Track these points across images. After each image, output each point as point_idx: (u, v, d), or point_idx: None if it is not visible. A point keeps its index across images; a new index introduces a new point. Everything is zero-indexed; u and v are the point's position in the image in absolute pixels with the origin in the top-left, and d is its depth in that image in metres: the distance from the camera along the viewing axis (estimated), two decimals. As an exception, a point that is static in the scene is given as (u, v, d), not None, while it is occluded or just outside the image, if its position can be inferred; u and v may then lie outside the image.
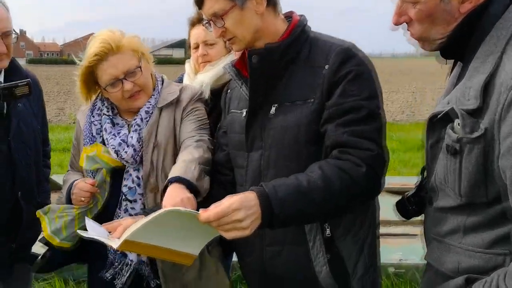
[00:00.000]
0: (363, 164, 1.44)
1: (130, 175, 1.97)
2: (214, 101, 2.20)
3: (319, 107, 1.54)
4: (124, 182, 1.97)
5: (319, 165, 1.46)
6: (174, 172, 1.69)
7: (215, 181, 1.80)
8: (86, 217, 1.77)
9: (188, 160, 1.74)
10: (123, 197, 1.96)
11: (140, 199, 1.96)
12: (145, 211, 1.79)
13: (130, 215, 1.93)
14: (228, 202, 1.30)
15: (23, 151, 2.18)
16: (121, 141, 1.96)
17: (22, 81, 2.04)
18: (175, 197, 1.55)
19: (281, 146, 1.60)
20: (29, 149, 2.21)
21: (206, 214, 1.30)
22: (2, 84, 2.03)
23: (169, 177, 1.67)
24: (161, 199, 1.62)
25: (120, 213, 1.95)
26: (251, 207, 1.32)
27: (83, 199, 1.96)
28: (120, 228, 1.63)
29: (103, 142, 2.00)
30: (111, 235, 1.65)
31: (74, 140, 2.17)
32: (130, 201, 1.95)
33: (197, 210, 1.41)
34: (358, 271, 1.62)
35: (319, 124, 1.54)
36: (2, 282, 2.23)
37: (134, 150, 1.94)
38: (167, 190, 1.61)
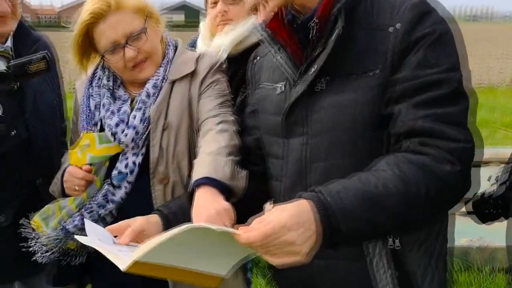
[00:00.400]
0: (453, 160, 1.07)
1: (126, 158, 1.61)
2: (233, 69, 1.82)
3: (383, 81, 1.17)
4: (117, 165, 1.61)
5: (391, 161, 1.09)
6: (200, 170, 1.33)
7: None
8: (84, 218, 1.42)
9: (215, 152, 1.37)
10: (108, 180, 1.62)
11: (126, 187, 1.61)
12: (160, 210, 1.44)
13: (110, 201, 1.60)
14: (277, 218, 0.95)
15: (42, 131, 1.85)
16: (119, 120, 1.59)
17: (37, 54, 1.64)
18: (209, 209, 1.20)
19: (331, 133, 1.22)
20: (48, 128, 1.90)
21: (248, 236, 0.95)
22: (13, 62, 1.64)
23: (194, 178, 1.31)
24: (189, 207, 1.26)
25: (97, 198, 1.61)
26: (305, 223, 0.97)
27: (77, 188, 1.61)
28: (129, 232, 1.29)
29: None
30: (117, 239, 1.31)
31: (73, 115, 1.81)
32: (114, 187, 1.61)
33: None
34: None
35: (384, 103, 1.17)
36: (26, 279, 1.96)
37: (136, 132, 1.58)
38: (195, 197, 1.26)
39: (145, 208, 1.57)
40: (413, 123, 1.11)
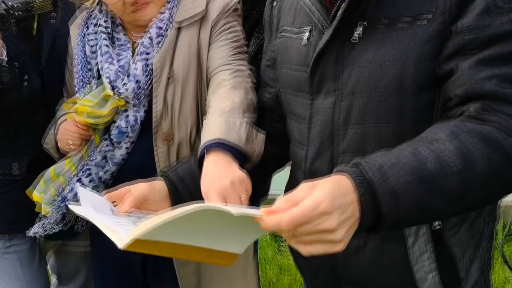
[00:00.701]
0: None
1: (127, 115, 1.41)
2: (246, 10, 1.58)
3: (439, 30, 0.95)
4: (117, 121, 1.42)
5: (447, 129, 0.88)
6: (211, 131, 1.14)
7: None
8: (77, 183, 1.23)
9: (228, 110, 1.18)
10: (108, 138, 1.43)
11: (127, 147, 1.43)
12: (164, 174, 1.26)
13: (109, 161, 1.42)
14: (311, 199, 0.76)
15: (58, 80, 1.64)
16: (119, 70, 1.38)
17: None
18: (221, 179, 1.02)
19: (370, 92, 1.01)
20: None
21: (274, 220, 0.76)
22: (14, 2, 1.45)
23: (204, 140, 1.12)
24: (199, 174, 1.08)
25: (94, 156, 1.43)
26: (346, 205, 0.78)
27: (70, 142, 1.43)
28: (130, 200, 1.12)
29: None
30: (116, 208, 1.14)
31: (68, 58, 1.59)
32: (113, 145, 1.42)
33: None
34: (472, 276, 1.11)
35: (439, 59, 0.96)
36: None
37: (138, 85, 1.37)
38: (205, 164, 1.08)
39: (148, 169, 1.40)
40: (476, 84, 0.90)
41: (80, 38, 1.47)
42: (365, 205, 0.79)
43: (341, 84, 1.05)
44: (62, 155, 1.51)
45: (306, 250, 0.78)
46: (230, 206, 0.79)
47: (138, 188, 1.16)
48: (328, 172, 0.95)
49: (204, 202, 0.99)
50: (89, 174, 1.42)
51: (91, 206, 1.08)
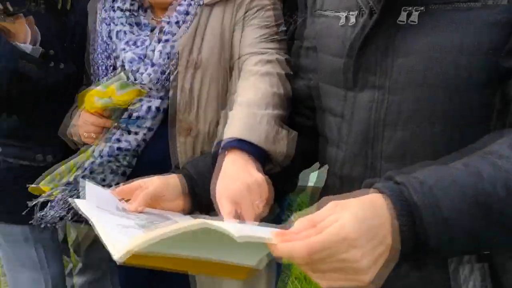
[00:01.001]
0: None
1: (149, 101, 1.29)
2: None
3: (508, 17, 0.77)
4: (136, 109, 1.29)
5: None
6: (232, 127, 1.01)
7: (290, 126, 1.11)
8: (81, 178, 1.13)
9: (253, 104, 1.04)
10: (121, 123, 1.31)
11: (145, 133, 1.30)
12: (185, 169, 1.14)
13: (119, 149, 1.30)
14: (337, 226, 0.61)
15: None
16: (141, 55, 1.26)
17: None
18: (236, 182, 0.90)
19: (421, 88, 0.84)
20: None
21: (287, 248, 0.62)
22: None
23: (224, 137, 1.00)
24: (214, 175, 0.96)
25: (102, 145, 1.31)
26: (377, 233, 0.63)
27: (93, 135, 1.33)
28: (142, 197, 1.01)
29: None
30: (126, 205, 1.03)
31: (87, 43, 1.47)
32: (128, 132, 1.30)
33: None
34: None
35: (505, 51, 0.78)
36: None
37: (161, 71, 1.26)
38: (223, 163, 0.96)
39: (168, 163, 1.29)
40: None
41: (99, 20, 1.37)
42: (405, 235, 0.64)
43: (386, 76, 0.89)
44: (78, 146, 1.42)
45: (325, 282, 0.64)
46: (234, 224, 0.67)
47: (150, 184, 1.05)
48: (364, 179, 0.81)
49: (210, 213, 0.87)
50: (101, 164, 1.32)
51: (97, 203, 0.97)
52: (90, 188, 1.02)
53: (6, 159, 1.57)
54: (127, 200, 1.04)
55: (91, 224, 0.88)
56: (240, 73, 1.19)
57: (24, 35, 1.32)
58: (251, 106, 1.04)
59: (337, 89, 0.99)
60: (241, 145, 0.97)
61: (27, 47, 1.33)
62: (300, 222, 0.64)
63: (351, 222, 0.61)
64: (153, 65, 1.26)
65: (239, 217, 0.87)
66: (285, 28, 1.30)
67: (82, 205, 0.95)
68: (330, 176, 1.03)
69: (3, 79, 1.33)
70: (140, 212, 1.01)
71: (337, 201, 0.65)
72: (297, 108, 1.16)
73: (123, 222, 0.93)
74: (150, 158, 1.33)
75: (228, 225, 0.67)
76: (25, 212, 1.35)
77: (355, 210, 0.62)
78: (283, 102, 1.11)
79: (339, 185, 0.97)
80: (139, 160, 1.35)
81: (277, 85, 1.12)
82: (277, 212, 1.46)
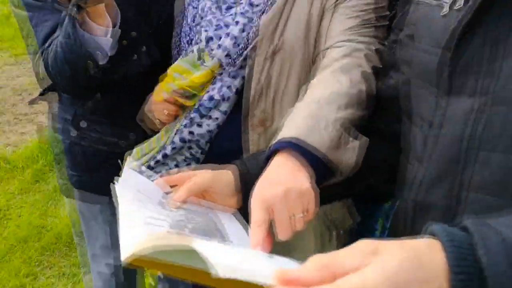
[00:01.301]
0: None
1: (221, 79, 1.18)
2: None
3: None
4: (209, 89, 1.19)
5: None
6: (291, 123, 0.87)
7: (369, 129, 0.93)
8: (125, 161, 1.04)
9: (322, 101, 0.89)
10: (196, 108, 1.20)
11: (217, 118, 1.19)
12: (243, 163, 1.02)
13: (196, 135, 1.20)
14: (361, 279, 0.44)
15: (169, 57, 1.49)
16: (218, 29, 1.15)
17: None
18: (275, 185, 0.77)
19: None
20: None
21: None
22: None
23: (279, 136, 0.85)
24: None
25: (181, 127, 1.22)
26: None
27: (157, 121, 1.29)
28: (184, 188, 0.91)
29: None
30: (169, 195, 0.94)
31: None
32: (201, 116, 1.19)
33: None
34: None
35: None
36: None
37: (235, 43, 1.13)
38: (270, 164, 0.83)
39: (240, 150, 1.18)
40: None
41: (187, 4, 1.28)
42: None
43: (491, 81, 0.67)
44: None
45: None
46: (232, 254, 0.53)
47: (199, 176, 0.94)
48: (443, 210, 0.62)
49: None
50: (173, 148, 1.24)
51: (134, 193, 0.89)
52: (131, 175, 0.94)
53: (101, 136, 1.57)
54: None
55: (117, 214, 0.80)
56: (321, 65, 1.02)
57: (103, 18, 1.26)
58: (322, 105, 0.88)
59: (428, 90, 0.79)
60: (295, 146, 0.81)
61: (107, 31, 1.26)
62: (312, 263, 0.47)
63: (384, 278, 0.43)
64: (227, 35, 1.14)
65: (270, 227, 0.73)
66: (388, 12, 1.10)
67: (119, 192, 0.88)
68: (403, 199, 0.82)
69: (87, 71, 1.29)
70: (182, 206, 0.91)
71: (373, 242, 0.48)
72: (386, 109, 0.97)
73: (155, 215, 0.83)
74: (222, 145, 1.23)
75: (220, 256, 0.54)
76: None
77: (394, 262, 0.44)
78: (363, 101, 0.93)
79: (412, 212, 0.77)
80: (211, 147, 1.25)
81: (359, 81, 0.94)
82: (358, 221, 1.28)
